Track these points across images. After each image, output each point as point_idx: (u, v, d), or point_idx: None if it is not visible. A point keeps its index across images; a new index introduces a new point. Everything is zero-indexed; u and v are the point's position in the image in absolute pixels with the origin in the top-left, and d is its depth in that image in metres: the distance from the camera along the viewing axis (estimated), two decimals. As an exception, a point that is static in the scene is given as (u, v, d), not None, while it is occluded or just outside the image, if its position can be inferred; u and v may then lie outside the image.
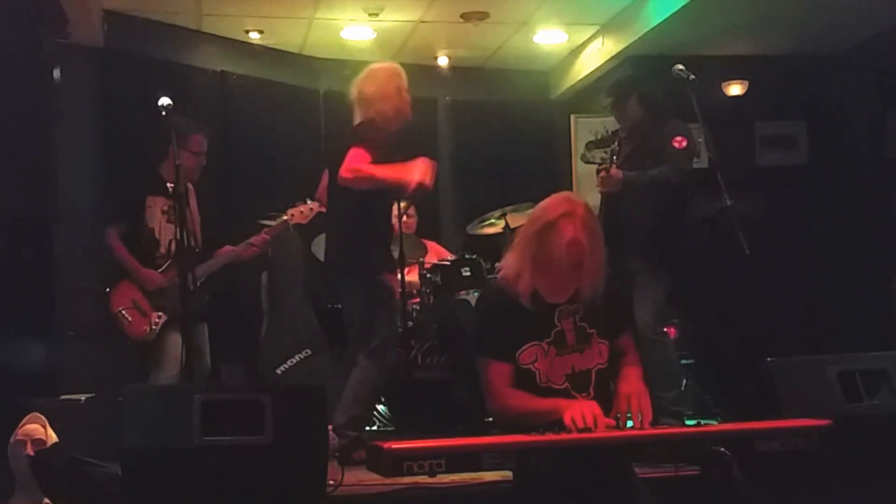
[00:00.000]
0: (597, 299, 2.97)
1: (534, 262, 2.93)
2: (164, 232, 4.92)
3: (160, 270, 4.88)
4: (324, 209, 5.04)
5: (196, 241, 4.84)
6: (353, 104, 4.59)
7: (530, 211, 5.83)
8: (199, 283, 4.64)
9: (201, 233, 5.02)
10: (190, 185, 4.89)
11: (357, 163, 4.27)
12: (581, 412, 2.75)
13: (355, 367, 4.44)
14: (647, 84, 4.94)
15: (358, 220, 4.47)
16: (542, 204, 3.02)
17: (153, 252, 4.92)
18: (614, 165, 4.64)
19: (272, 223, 5.12)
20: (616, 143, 4.80)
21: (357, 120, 4.57)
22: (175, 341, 4.81)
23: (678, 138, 4.65)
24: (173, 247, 4.86)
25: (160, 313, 4.85)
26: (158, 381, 4.75)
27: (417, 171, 4.32)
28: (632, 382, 2.96)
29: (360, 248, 4.48)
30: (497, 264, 5.79)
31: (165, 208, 4.91)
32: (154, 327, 4.84)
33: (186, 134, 4.83)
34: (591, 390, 2.96)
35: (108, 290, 4.96)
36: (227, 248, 5.09)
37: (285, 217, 5.04)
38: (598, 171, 4.81)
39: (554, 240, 2.88)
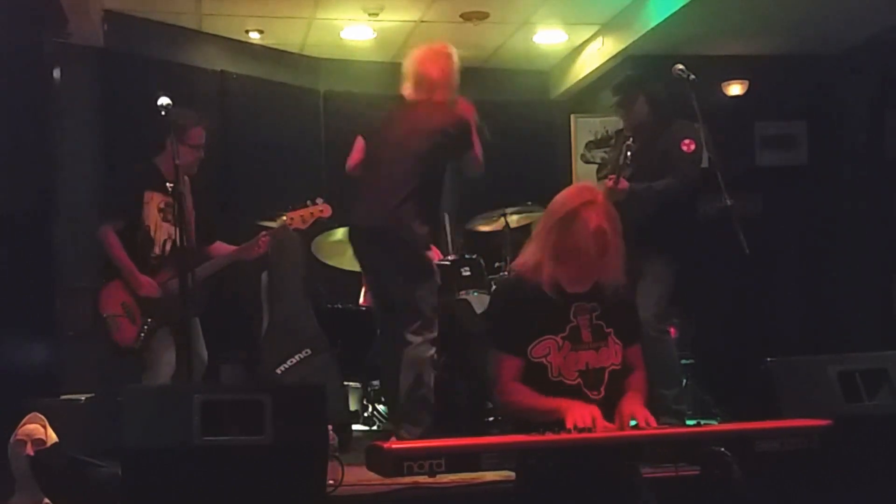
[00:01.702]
0: (616, 296, 2.97)
1: (556, 252, 2.92)
2: (160, 231, 4.78)
3: (155, 276, 4.74)
4: (325, 214, 5.02)
5: (189, 240, 4.63)
6: (409, 77, 4.73)
7: (530, 210, 5.90)
8: (195, 284, 4.45)
9: (195, 230, 4.82)
10: (187, 179, 4.74)
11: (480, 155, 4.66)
12: (581, 414, 2.74)
13: (407, 347, 4.45)
14: (654, 84, 4.94)
15: (414, 195, 4.51)
16: (562, 194, 3.00)
17: (147, 253, 4.77)
18: (622, 178, 4.60)
19: (272, 224, 5.10)
20: (626, 151, 4.61)
21: (409, 91, 4.73)
22: (165, 348, 4.71)
23: (686, 141, 4.65)
24: (168, 247, 4.77)
25: (150, 319, 4.71)
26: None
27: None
28: (634, 406, 2.91)
29: (410, 223, 4.51)
30: (497, 264, 5.85)
31: (162, 206, 4.76)
32: (143, 335, 4.71)
33: (185, 126, 4.71)
34: (603, 390, 2.94)
35: (104, 281, 4.81)
36: (220, 244, 5.02)
37: (285, 219, 4.99)
38: (598, 171, 4.80)
39: (578, 229, 2.87)
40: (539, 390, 2.91)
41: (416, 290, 4.51)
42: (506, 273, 3.05)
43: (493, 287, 5.41)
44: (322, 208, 5.01)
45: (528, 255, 3.01)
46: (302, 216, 4.95)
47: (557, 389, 2.91)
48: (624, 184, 4.56)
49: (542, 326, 2.94)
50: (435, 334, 4.52)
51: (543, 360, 2.93)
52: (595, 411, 2.78)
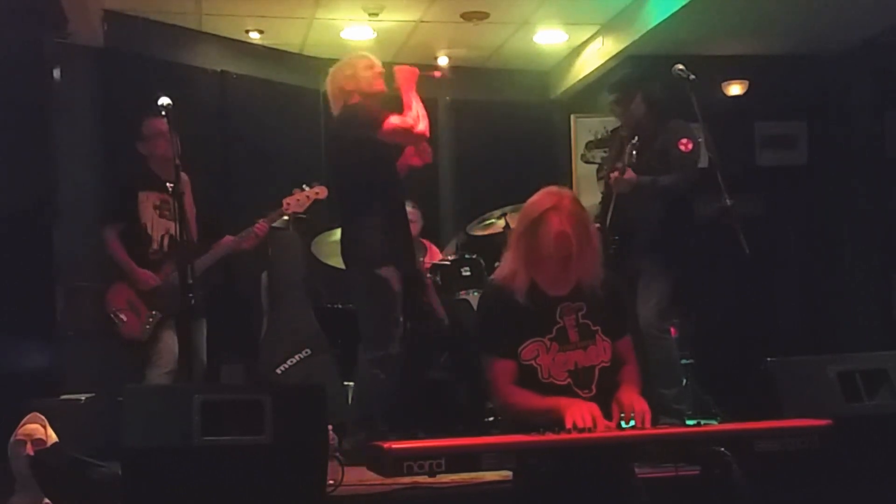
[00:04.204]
0: (599, 293, 2.99)
1: (527, 258, 2.98)
2: (156, 228, 4.89)
3: (156, 271, 4.85)
4: (321, 195, 5.04)
5: (191, 235, 4.68)
6: (331, 99, 4.75)
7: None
8: (196, 277, 4.53)
9: (197, 226, 4.90)
10: (186, 177, 4.76)
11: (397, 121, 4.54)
12: (580, 413, 2.75)
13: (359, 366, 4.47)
14: (651, 83, 4.94)
15: (360, 213, 4.52)
16: (530, 200, 3.06)
17: (146, 249, 4.89)
18: (629, 168, 4.61)
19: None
20: (631, 150, 4.67)
21: (336, 111, 4.70)
22: (169, 338, 4.83)
23: (684, 141, 4.66)
24: (166, 242, 4.87)
25: (154, 311, 4.84)
26: (152, 377, 4.75)
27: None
28: (631, 395, 2.93)
29: (358, 241, 4.53)
30: (497, 264, 5.83)
31: (157, 203, 4.88)
32: (148, 326, 4.83)
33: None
34: (594, 387, 2.97)
35: (111, 282, 4.94)
36: (228, 238, 5.07)
37: (281, 207, 5.03)
38: (598, 171, 4.81)
39: (542, 234, 2.93)
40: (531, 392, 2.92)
41: (359, 308, 4.57)
42: (491, 278, 3.06)
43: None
44: (318, 191, 5.04)
45: (507, 262, 3.07)
46: (298, 199, 5.00)
47: (549, 390, 2.93)
48: (631, 174, 4.57)
49: (528, 329, 2.97)
50: (383, 352, 4.42)
51: (533, 362, 2.96)
52: (594, 409, 2.79)
